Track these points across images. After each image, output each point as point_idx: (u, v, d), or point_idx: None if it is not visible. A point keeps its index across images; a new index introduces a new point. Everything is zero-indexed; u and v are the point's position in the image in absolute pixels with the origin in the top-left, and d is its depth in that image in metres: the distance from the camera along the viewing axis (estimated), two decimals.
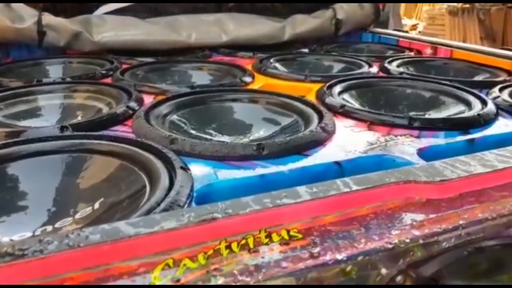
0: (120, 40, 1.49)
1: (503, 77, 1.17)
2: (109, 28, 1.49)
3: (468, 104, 0.94)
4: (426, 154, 0.72)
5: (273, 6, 1.89)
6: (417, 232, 0.43)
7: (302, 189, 0.45)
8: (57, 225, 0.58)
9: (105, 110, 0.91)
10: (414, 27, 5.81)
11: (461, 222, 0.44)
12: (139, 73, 1.20)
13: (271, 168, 0.66)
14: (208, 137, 0.81)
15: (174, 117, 0.85)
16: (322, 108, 0.87)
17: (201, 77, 1.22)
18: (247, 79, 1.16)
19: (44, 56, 1.39)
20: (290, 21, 1.72)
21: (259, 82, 1.18)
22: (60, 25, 1.43)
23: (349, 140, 0.77)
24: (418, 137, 0.79)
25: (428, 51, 1.53)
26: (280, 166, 0.67)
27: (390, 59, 1.36)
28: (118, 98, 0.94)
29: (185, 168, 0.61)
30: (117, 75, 1.14)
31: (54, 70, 1.26)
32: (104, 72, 1.19)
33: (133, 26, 1.54)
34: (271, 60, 1.38)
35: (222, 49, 1.59)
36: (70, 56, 1.40)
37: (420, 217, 0.45)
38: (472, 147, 0.78)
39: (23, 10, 1.42)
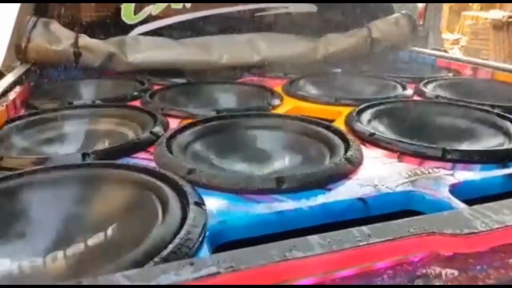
0: (152, 60, 1.51)
1: None
2: (143, 49, 1.52)
3: (507, 134, 0.88)
4: (459, 190, 0.67)
5: (308, 24, 1.87)
6: None
7: (314, 240, 0.42)
8: (68, 251, 0.57)
9: (131, 135, 0.92)
10: (456, 41, 5.63)
11: (491, 281, 0.40)
12: (168, 95, 1.21)
13: (290, 204, 0.63)
14: (229, 167, 0.79)
15: (197, 144, 0.84)
16: (349, 137, 0.83)
17: (229, 99, 1.21)
18: (275, 102, 1.14)
19: (78, 77, 1.43)
20: (323, 40, 1.69)
21: (288, 105, 1.16)
22: (95, 46, 1.47)
23: (376, 172, 0.73)
24: (452, 170, 0.74)
25: (467, 71, 1.46)
26: (301, 201, 0.64)
27: (426, 80, 1.30)
28: (143, 123, 0.95)
29: (199, 204, 0.59)
30: (146, 97, 1.15)
31: (87, 91, 1.29)
32: (135, 94, 1.21)
33: (165, 47, 1.56)
34: (301, 81, 1.36)
35: (254, 69, 1.58)
36: (104, 77, 1.43)
37: (444, 274, 0.40)
38: (510, 183, 0.72)
39: (61, 32, 1.47)
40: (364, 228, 0.44)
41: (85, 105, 1.08)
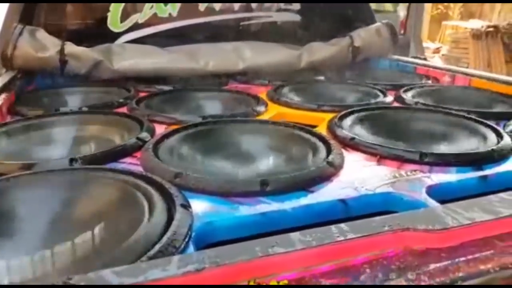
0: (139, 68, 1.52)
1: None
2: (129, 56, 1.53)
3: (483, 138, 0.91)
4: (435, 192, 0.70)
5: (293, 33, 1.91)
6: (414, 284, 0.41)
7: (295, 237, 0.44)
8: (55, 249, 0.58)
9: (118, 140, 0.93)
10: (437, 50, 5.76)
11: (461, 274, 0.43)
12: (154, 101, 1.22)
13: (273, 206, 0.65)
14: (216, 170, 0.80)
15: (183, 149, 0.85)
16: (331, 141, 0.86)
17: (214, 106, 1.23)
18: (260, 108, 1.17)
19: (65, 84, 1.43)
20: (307, 49, 1.73)
21: (272, 111, 1.19)
22: (81, 54, 1.48)
23: (357, 175, 0.76)
24: (429, 172, 0.77)
25: (446, 79, 1.51)
26: (284, 202, 0.66)
27: (406, 88, 1.34)
28: (130, 129, 0.96)
29: (185, 206, 0.61)
30: (132, 104, 1.17)
31: (73, 98, 1.29)
32: (121, 100, 1.22)
33: (152, 54, 1.58)
34: (285, 89, 1.38)
35: (239, 77, 1.60)
36: (90, 85, 1.44)
37: (418, 268, 0.43)
38: (485, 185, 0.75)
39: (47, 40, 1.47)
40: (342, 225, 0.46)
41: (72, 111, 1.08)
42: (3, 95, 1.14)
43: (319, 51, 1.73)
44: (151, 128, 0.97)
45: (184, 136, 0.89)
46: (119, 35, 1.68)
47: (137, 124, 0.98)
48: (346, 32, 1.82)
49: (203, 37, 1.75)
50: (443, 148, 0.91)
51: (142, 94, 1.33)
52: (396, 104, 1.24)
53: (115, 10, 1.66)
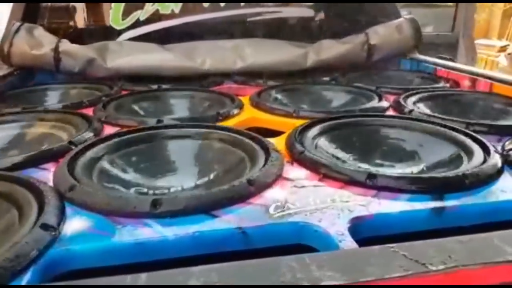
0: (133, 66, 1.48)
1: None
2: (124, 54, 1.49)
3: (467, 157, 0.75)
4: (360, 227, 0.57)
5: (306, 29, 1.78)
6: None
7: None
8: None
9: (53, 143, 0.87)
10: (503, 48, 5.23)
11: None
12: (125, 101, 1.16)
13: (157, 231, 0.55)
14: (130, 184, 0.72)
15: (111, 156, 0.78)
16: (275, 154, 0.75)
17: (185, 108, 1.15)
18: (233, 111, 1.07)
19: (53, 82, 1.42)
20: (316, 47, 1.59)
21: (244, 115, 1.08)
22: (75, 52, 1.46)
23: (283, 197, 0.64)
24: (374, 197, 0.63)
25: (466, 83, 1.31)
26: (172, 228, 0.56)
27: (409, 92, 1.17)
28: (78, 130, 0.91)
29: (47, 227, 0.53)
30: (100, 104, 1.11)
31: (52, 96, 1.27)
32: (91, 99, 1.17)
33: (149, 52, 1.53)
34: (274, 91, 1.27)
35: (237, 77, 1.51)
36: (79, 82, 1.42)
37: None
38: (437, 220, 0.60)
39: (43, 37, 1.47)
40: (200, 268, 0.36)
41: (33, 110, 1.06)
42: None
43: (329, 49, 1.59)
44: (98, 130, 0.92)
45: (116, 142, 0.81)
46: (120, 32, 1.66)
47: (86, 126, 0.93)
48: (365, 29, 1.65)
49: (207, 34, 1.67)
50: (405, 169, 0.76)
51: (124, 93, 1.29)
52: (391, 111, 1.09)
53: (116, 8, 1.63)
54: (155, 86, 1.36)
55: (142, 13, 1.65)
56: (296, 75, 1.52)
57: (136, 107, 1.14)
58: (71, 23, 1.69)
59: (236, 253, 0.56)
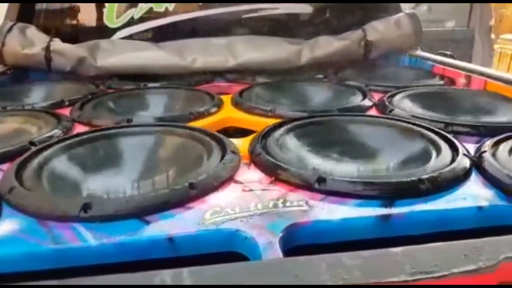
0: (124, 64, 1.46)
1: None
2: (116, 53, 1.49)
3: (436, 159, 0.70)
4: (296, 234, 0.53)
5: (301, 26, 1.74)
6: None
7: None
8: None
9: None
10: None
11: None
12: (103, 101, 1.15)
13: (79, 236, 0.53)
14: (80, 185, 0.70)
15: (65, 158, 0.76)
16: (230, 156, 0.72)
17: (159, 107, 1.13)
18: (210, 110, 1.04)
19: (43, 81, 1.43)
20: (311, 44, 1.54)
21: (223, 114, 1.05)
22: (66, 51, 1.46)
23: (226, 201, 0.61)
24: (321, 201, 0.60)
25: (461, 80, 1.24)
26: (99, 233, 0.54)
27: (397, 90, 1.12)
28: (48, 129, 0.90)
29: None
30: (78, 104, 1.11)
31: (38, 94, 1.27)
32: (72, 98, 1.16)
33: (141, 50, 1.52)
34: (257, 89, 1.23)
35: (228, 75, 1.48)
36: (70, 81, 1.42)
37: None
38: (382, 229, 0.56)
39: (35, 36, 1.48)
40: None
41: (7, 110, 1.06)
42: None
43: (324, 46, 1.53)
44: (66, 131, 0.91)
45: (76, 142, 0.79)
46: (115, 31, 1.65)
47: (55, 125, 0.92)
48: (363, 24, 1.59)
49: (202, 32, 1.65)
50: (366, 172, 0.71)
51: (110, 91, 1.29)
52: (374, 110, 1.04)
53: (110, 7, 1.63)
54: (154, 84, 1.35)
55: (136, 11, 1.64)
56: (290, 73, 1.48)
57: (113, 106, 1.12)
58: (66, 22, 1.70)
59: (164, 261, 0.54)
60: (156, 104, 1.14)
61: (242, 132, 1.00)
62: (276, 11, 1.73)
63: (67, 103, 1.14)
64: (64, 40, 1.51)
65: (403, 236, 0.56)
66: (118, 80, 1.43)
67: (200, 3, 1.67)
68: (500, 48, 4.17)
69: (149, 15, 1.65)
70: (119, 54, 1.48)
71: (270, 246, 0.50)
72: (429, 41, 2.50)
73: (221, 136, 0.81)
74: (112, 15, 1.64)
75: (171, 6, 1.65)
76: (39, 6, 1.64)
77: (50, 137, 0.85)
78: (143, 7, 1.64)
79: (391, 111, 0.97)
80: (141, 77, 1.43)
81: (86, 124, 0.97)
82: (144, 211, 0.57)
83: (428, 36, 2.77)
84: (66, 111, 1.06)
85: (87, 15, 1.67)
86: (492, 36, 3.29)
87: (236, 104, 1.10)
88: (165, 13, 1.65)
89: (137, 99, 1.18)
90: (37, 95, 1.27)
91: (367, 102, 1.06)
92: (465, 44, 2.72)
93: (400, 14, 1.59)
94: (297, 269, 0.36)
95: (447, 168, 0.64)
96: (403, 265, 0.34)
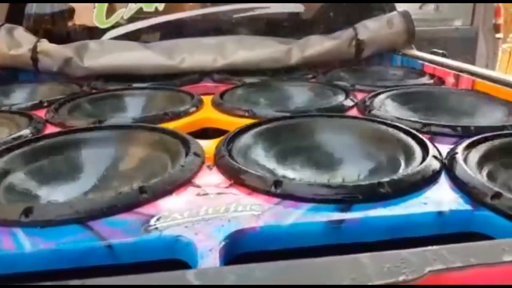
0: (111, 65, 1.45)
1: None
2: (103, 53, 1.47)
3: (407, 163, 0.67)
4: (242, 241, 0.51)
5: (292, 26, 1.71)
6: None
7: None
8: None
9: None
10: None
11: None
12: (81, 101, 1.13)
13: (16, 242, 0.51)
14: (35, 188, 0.68)
15: (23, 162, 0.72)
16: (190, 157, 0.69)
17: (138, 108, 1.11)
18: (189, 110, 1.02)
19: (28, 81, 1.42)
20: (301, 43, 1.51)
21: (200, 115, 1.03)
22: (53, 51, 1.45)
23: (176, 206, 0.58)
24: (277, 205, 0.57)
25: (450, 79, 1.20)
26: (35, 238, 0.52)
27: (380, 90, 1.08)
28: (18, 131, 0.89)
29: None
30: (55, 105, 1.09)
31: (20, 95, 1.27)
32: (52, 99, 1.15)
33: (129, 50, 1.50)
34: (240, 89, 1.21)
35: (216, 75, 1.46)
36: (55, 82, 1.41)
37: None
38: (334, 235, 0.53)
39: (22, 37, 1.48)
40: None
41: None
42: None
43: (315, 45, 1.50)
44: (36, 132, 0.89)
45: (40, 146, 0.77)
46: (105, 31, 1.64)
47: (25, 126, 0.91)
48: (354, 23, 1.56)
49: (192, 32, 1.63)
50: (330, 175, 0.68)
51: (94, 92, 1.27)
52: (355, 110, 1.00)
53: (100, 7, 1.62)
54: (141, 84, 1.33)
55: (126, 11, 1.62)
56: (279, 73, 1.45)
57: (90, 107, 1.10)
58: (56, 23, 1.69)
59: (104, 268, 0.52)
60: (135, 105, 1.12)
61: (222, 134, 0.98)
62: (267, 10, 1.70)
63: (45, 104, 1.13)
64: (54, 41, 1.50)
65: (358, 243, 0.53)
66: (103, 81, 1.41)
67: (191, 3, 1.64)
68: (509, 47, 4.09)
69: (139, 15, 1.64)
70: (107, 54, 1.47)
71: (209, 254, 0.47)
72: (432, 40, 2.45)
73: (188, 137, 0.79)
74: (102, 15, 1.63)
75: (161, 6, 1.63)
76: (29, 7, 1.63)
77: (18, 137, 0.84)
78: (133, 7, 1.63)
79: (370, 111, 0.93)
80: (128, 78, 1.42)
81: (58, 125, 0.95)
82: (88, 216, 0.55)
83: (432, 35, 2.72)
84: (44, 112, 1.05)
85: (77, 16, 1.66)
86: (501, 35, 3.22)
87: (216, 104, 1.08)
88: (156, 13, 1.64)
89: (116, 100, 1.16)
90: (19, 96, 1.26)
91: (348, 102, 1.02)
92: (469, 42, 2.66)
93: (392, 13, 1.56)
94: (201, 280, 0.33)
95: (410, 171, 0.60)
96: (317, 278, 0.31)
